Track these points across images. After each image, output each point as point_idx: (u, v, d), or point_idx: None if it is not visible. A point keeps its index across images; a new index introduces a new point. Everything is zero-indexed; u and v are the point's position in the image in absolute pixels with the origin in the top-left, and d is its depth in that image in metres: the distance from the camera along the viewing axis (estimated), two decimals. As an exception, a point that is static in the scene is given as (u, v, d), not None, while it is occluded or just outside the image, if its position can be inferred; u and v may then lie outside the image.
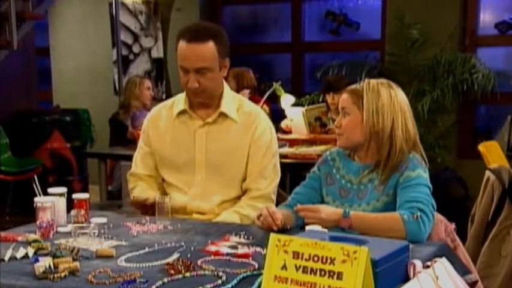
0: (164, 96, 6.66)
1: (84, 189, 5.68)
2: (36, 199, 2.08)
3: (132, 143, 4.42)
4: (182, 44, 2.34)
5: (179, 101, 2.50)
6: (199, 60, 2.32)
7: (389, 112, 2.04)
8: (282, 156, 3.78)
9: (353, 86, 2.14)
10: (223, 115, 2.43)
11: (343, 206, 2.07)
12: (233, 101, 2.48)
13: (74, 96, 6.81)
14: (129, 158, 4.07)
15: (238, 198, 2.45)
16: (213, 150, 2.43)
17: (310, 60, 6.54)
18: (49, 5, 5.44)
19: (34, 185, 2.19)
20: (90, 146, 6.07)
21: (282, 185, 3.93)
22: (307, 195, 2.19)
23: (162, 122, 2.51)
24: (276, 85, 4.39)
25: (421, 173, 2.02)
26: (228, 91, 2.49)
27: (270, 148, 2.46)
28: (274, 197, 2.46)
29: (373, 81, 2.11)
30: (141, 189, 2.50)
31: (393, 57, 5.62)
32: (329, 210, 1.98)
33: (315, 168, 2.25)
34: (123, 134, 4.79)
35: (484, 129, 5.87)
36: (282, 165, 3.78)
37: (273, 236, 1.43)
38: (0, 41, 4.84)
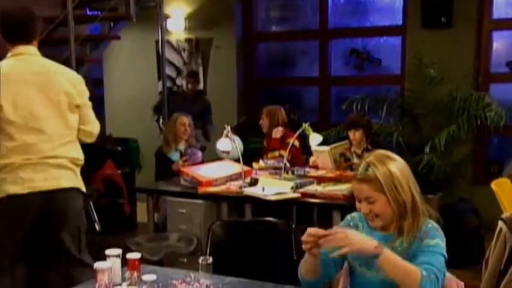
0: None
1: (133, 210, 5.81)
2: (95, 264, 2.16)
3: (176, 176, 4.43)
4: None
5: None
6: None
7: (404, 180, 1.98)
8: (310, 195, 3.88)
9: (362, 173, 1.99)
10: None
11: (370, 271, 2.02)
12: None
13: (125, 125, 6.96)
14: (174, 194, 4.19)
15: None
16: None
17: (336, 92, 6.55)
18: (104, 48, 5.55)
19: (90, 210, 2.25)
20: (138, 172, 6.17)
21: (309, 224, 3.99)
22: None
23: None
24: (305, 126, 4.36)
25: (439, 242, 1.97)
26: None
27: None
28: None
29: (375, 161, 1.99)
30: None
31: (412, 93, 5.61)
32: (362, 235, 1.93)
33: None
34: (168, 167, 4.67)
35: (496, 158, 5.83)
36: (310, 204, 3.91)
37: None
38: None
